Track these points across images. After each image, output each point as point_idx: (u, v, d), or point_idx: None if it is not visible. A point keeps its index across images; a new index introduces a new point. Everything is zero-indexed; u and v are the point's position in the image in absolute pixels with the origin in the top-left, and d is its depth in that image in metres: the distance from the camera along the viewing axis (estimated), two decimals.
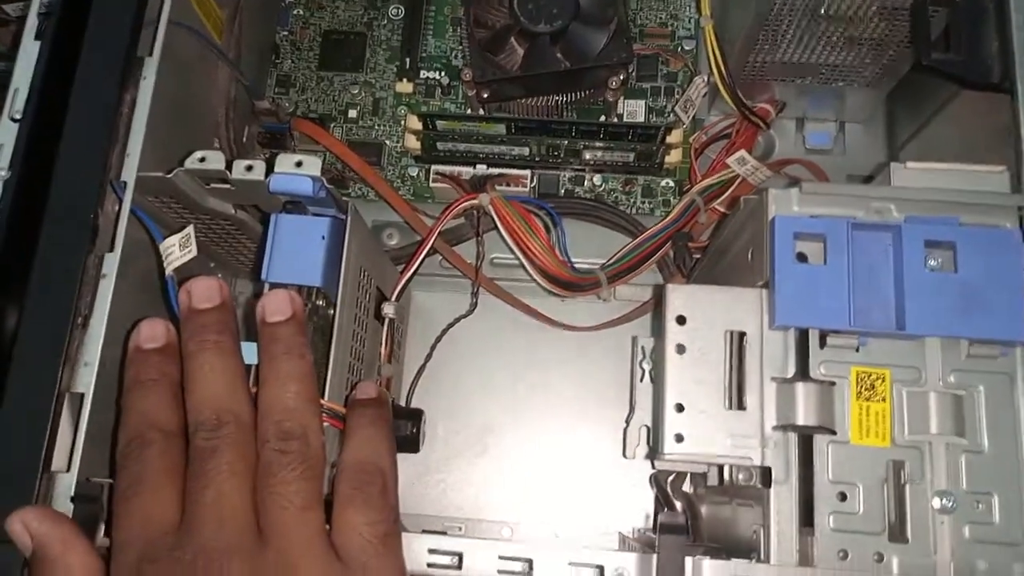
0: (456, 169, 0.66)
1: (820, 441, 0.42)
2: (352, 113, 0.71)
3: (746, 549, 0.44)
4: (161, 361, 0.39)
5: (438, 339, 0.63)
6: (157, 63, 0.47)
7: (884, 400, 0.42)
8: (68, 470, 0.41)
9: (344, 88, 0.72)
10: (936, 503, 0.41)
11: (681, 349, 0.44)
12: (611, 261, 0.61)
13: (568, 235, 0.63)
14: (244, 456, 0.36)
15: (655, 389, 0.50)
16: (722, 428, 0.42)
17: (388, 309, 0.56)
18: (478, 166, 0.66)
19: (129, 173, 0.45)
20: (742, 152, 0.62)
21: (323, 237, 0.46)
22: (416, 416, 0.60)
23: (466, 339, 0.66)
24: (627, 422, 0.58)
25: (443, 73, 0.71)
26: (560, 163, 0.68)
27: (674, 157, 0.65)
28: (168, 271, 0.44)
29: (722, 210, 0.64)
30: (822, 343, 0.43)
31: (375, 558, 0.36)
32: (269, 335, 0.40)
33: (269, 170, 0.46)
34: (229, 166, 0.47)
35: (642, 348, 0.59)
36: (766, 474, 0.42)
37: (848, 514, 0.41)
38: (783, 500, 0.41)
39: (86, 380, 0.42)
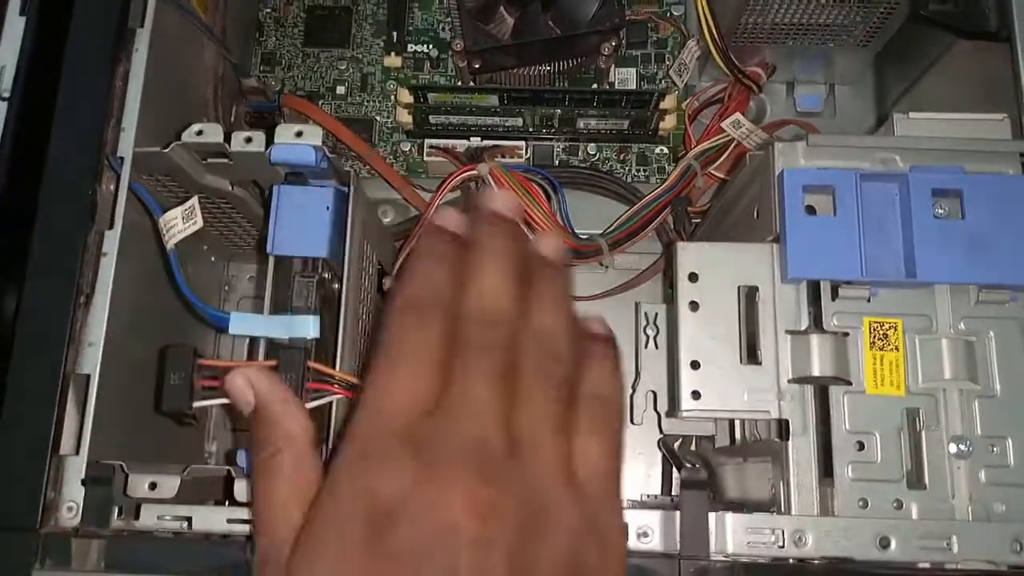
0: (451, 142, 0.65)
1: (836, 392, 0.42)
2: (340, 90, 0.70)
3: (760, 507, 0.44)
4: (455, 243, 0.37)
5: None
6: (149, 35, 0.46)
7: (897, 349, 0.42)
8: (77, 453, 0.41)
9: (331, 64, 0.71)
10: (952, 448, 0.41)
11: (694, 306, 0.43)
12: (611, 228, 0.61)
13: (567, 206, 0.63)
14: (510, 367, 0.34)
15: (669, 347, 0.50)
16: (738, 383, 0.42)
17: (389, 283, 0.56)
18: (472, 139, 0.66)
19: (126, 148, 0.44)
20: (737, 115, 0.62)
21: (328, 208, 0.45)
22: None
23: None
24: (633, 388, 0.58)
25: (432, 46, 0.70)
26: (554, 133, 0.67)
27: (668, 123, 0.65)
28: (169, 246, 0.43)
29: (719, 175, 0.64)
30: (834, 295, 0.43)
31: (606, 495, 0.35)
32: (538, 266, 0.38)
33: (268, 142, 0.46)
34: (227, 138, 0.46)
35: (645, 314, 0.59)
36: (784, 427, 0.42)
37: (866, 463, 0.41)
38: (801, 452, 0.41)
39: (92, 360, 0.41)
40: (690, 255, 0.44)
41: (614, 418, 0.37)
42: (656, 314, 0.59)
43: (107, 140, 0.44)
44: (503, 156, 0.64)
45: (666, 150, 0.68)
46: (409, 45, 0.70)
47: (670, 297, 0.46)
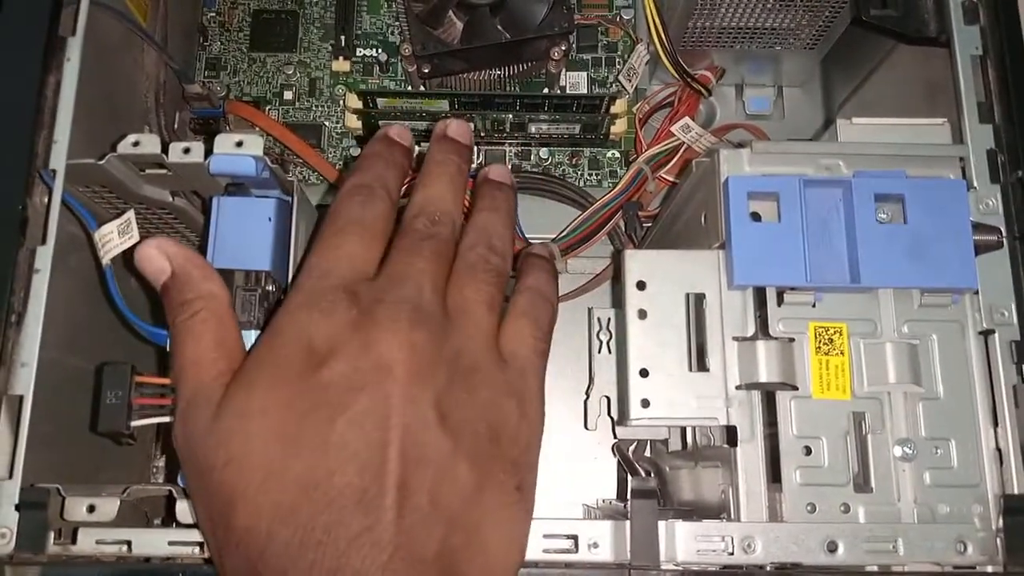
0: None
1: (783, 397, 0.42)
2: (288, 95, 0.69)
3: (714, 510, 0.44)
4: (404, 155, 0.42)
5: None
6: (81, 43, 0.45)
7: (842, 353, 0.43)
8: (11, 477, 0.39)
9: (278, 69, 0.69)
10: (897, 451, 0.41)
11: (643, 314, 0.43)
12: (563, 234, 0.60)
13: (519, 210, 0.62)
14: (448, 256, 0.38)
15: (618, 356, 0.50)
16: (687, 390, 0.42)
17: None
18: (423, 144, 0.65)
19: (58, 160, 0.43)
20: (686, 119, 0.62)
21: (269, 219, 0.44)
22: None
23: None
24: (587, 394, 0.58)
25: (380, 50, 0.70)
26: (506, 138, 0.67)
27: (619, 127, 0.65)
28: (105, 261, 0.42)
29: (669, 179, 0.64)
30: (779, 300, 0.43)
31: (531, 369, 0.38)
32: (490, 188, 0.43)
33: (208, 152, 0.44)
34: (165, 149, 0.45)
35: (598, 319, 0.59)
36: (732, 433, 0.42)
37: (814, 468, 0.41)
38: (750, 458, 0.41)
39: (25, 381, 0.40)
40: (638, 263, 0.44)
41: (548, 310, 0.41)
42: (608, 319, 0.58)
43: (38, 152, 0.42)
44: None
45: (617, 154, 0.68)
46: (358, 49, 0.70)
47: (619, 300, 0.46)
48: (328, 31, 0.70)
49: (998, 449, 0.41)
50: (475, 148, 0.65)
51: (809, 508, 0.41)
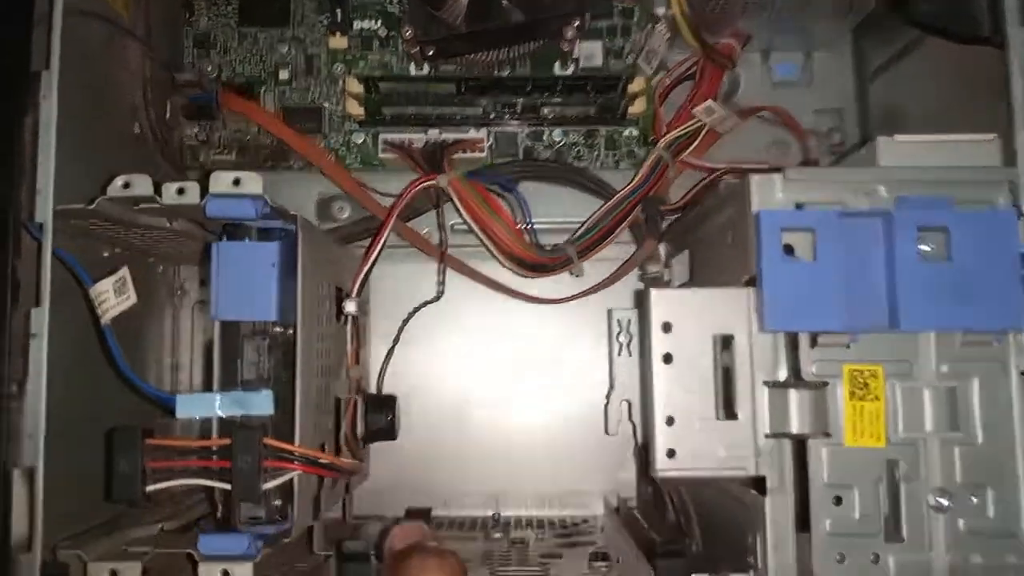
0: (407, 137, 0.61)
1: (815, 445, 0.40)
2: (283, 74, 0.64)
3: (741, 542, 0.44)
4: None
5: (404, 322, 0.60)
6: (57, 76, 0.41)
7: (878, 399, 0.41)
8: (30, 550, 0.39)
9: (271, 46, 0.65)
10: (931, 499, 0.40)
11: (668, 359, 0.41)
12: (580, 234, 0.57)
13: (531, 195, 0.60)
14: None
15: (642, 398, 0.49)
16: (714, 439, 0.41)
17: (350, 307, 0.53)
18: (430, 131, 0.61)
19: (44, 212, 0.40)
20: (709, 102, 0.58)
21: (273, 265, 0.42)
22: (390, 404, 0.58)
23: (433, 312, 0.63)
24: (607, 398, 0.57)
25: (379, 22, 0.65)
26: (517, 118, 0.63)
27: (638, 107, 0.61)
28: (104, 321, 0.40)
29: (692, 163, 0.60)
30: (813, 342, 0.41)
31: None
32: None
33: (204, 191, 0.42)
34: (158, 189, 0.42)
35: (618, 321, 0.57)
36: (760, 484, 0.41)
37: (844, 517, 0.40)
38: (779, 509, 0.40)
39: (33, 452, 0.39)
40: (664, 304, 0.42)
41: None
42: (629, 320, 0.57)
43: (21, 205, 0.40)
44: (464, 151, 0.60)
45: (636, 132, 0.64)
46: (355, 22, 0.65)
47: (642, 334, 0.44)
48: (322, 2, 0.65)
49: None
50: (485, 129, 0.62)
51: (839, 558, 0.40)
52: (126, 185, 0.42)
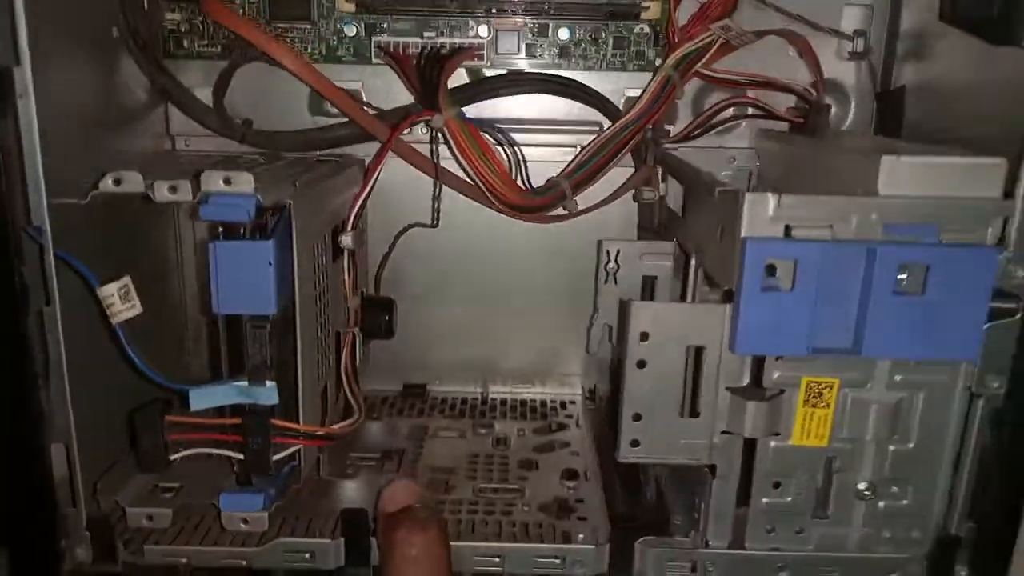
0: (401, 41, 0.57)
1: (763, 442, 0.45)
2: None
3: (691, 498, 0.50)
4: None
5: (398, 236, 0.62)
6: (30, 71, 0.39)
7: (828, 406, 0.45)
8: (74, 506, 0.45)
9: None
10: (858, 488, 0.46)
11: (642, 364, 0.44)
12: (575, 166, 0.56)
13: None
14: None
15: (615, 389, 0.52)
16: (676, 433, 0.45)
17: (346, 240, 0.54)
18: (425, 32, 0.58)
19: (40, 214, 0.41)
20: (727, 20, 0.54)
21: (269, 263, 0.43)
22: (388, 306, 0.62)
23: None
24: (591, 322, 0.60)
25: None
26: (520, 9, 0.59)
27: (651, 12, 0.57)
28: (114, 322, 0.43)
29: (706, 73, 0.57)
30: (778, 357, 0.44)
31: None
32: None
33: (195, 190, 0.42)
34: (151, 187, 0.42)
35: (607, 251, 0.59)
36: (711, 469, 0.46)
37: (779, 498, 0.46)
38: (723, 489, 0.46)
39: (64, 430, 0.44)
40: (643, 316, 0.44)
41: None
42: (618, 251, 0.59)
43: (18, 213, 0.40)
44: (463, 61, 0.57)
45: (647, 29, 0.60)
46: None
47: (620, 336, 0.47)
48: None
49: (951, 495, 0.46)
50: (485, 23, 0.59)
51: (769, 528, 0.47)
52: (118, 181, 0.42)
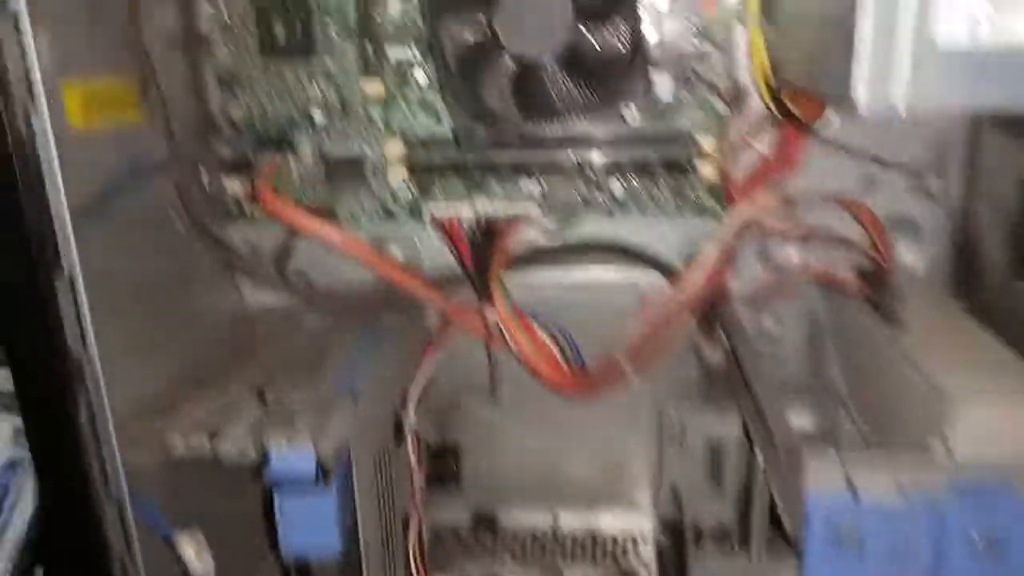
0: (454, 207, 0.56)
1: None
2: (317, 115, 0.58)
3: None
4: None
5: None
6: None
7: None
8: None
9: (298, 80, 0.57)
10: None
11: None
12: (635, 338, 0.55)
13: None
14: None
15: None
16: None
17: (410, 421, 0.55)
18: (477, 199, 0.57)
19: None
20: (776, 200, 0.52)
21: (333, 518, 0.44)
22: (454, 453, 0.63)
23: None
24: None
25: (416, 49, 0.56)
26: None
27: (708, 172, 0.55)
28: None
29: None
30: None
31: None
32: None
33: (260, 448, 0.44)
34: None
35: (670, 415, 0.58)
36: None
37: None
38: None
39: (99, 404, 0.44)
40: None
41: None
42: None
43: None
44: (515, 230, 0.56)
45: (709, 176, 0.57)
46: (387, 49, 0.56)
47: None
48: (345, 23, 0.55)
49: None
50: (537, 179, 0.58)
51: None
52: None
